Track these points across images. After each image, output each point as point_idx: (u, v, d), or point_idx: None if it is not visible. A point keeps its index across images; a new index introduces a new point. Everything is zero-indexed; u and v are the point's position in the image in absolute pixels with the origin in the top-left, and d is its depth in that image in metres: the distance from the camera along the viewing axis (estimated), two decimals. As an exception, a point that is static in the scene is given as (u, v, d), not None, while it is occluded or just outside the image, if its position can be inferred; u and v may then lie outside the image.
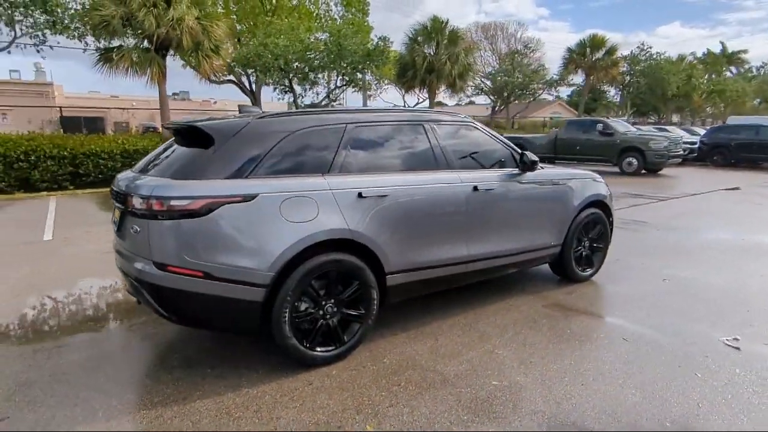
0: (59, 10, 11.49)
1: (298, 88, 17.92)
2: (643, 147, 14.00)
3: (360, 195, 3.03)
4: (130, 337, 3.49)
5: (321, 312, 2.97)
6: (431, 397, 2.66)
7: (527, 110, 41.92)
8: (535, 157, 3.93)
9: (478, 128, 3.92)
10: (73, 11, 12.56)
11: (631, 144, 14.26)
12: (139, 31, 12.63)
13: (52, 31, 11.70)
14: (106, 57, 12.94)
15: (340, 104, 19.75)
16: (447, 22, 18.57)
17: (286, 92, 18.05)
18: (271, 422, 2.43)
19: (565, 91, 40.84)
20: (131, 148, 12.41)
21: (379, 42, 17.10)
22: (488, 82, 29.03)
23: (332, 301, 3.00)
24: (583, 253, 4.58)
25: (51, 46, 12.84)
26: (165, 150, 3.13)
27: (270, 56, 15.26)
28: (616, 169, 14.72)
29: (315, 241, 2.82)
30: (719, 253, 5.59)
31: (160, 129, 17.19)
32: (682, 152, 15.29)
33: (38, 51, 13.62)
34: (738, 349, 3.21)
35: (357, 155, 3.18)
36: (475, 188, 3.58)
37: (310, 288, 2.89)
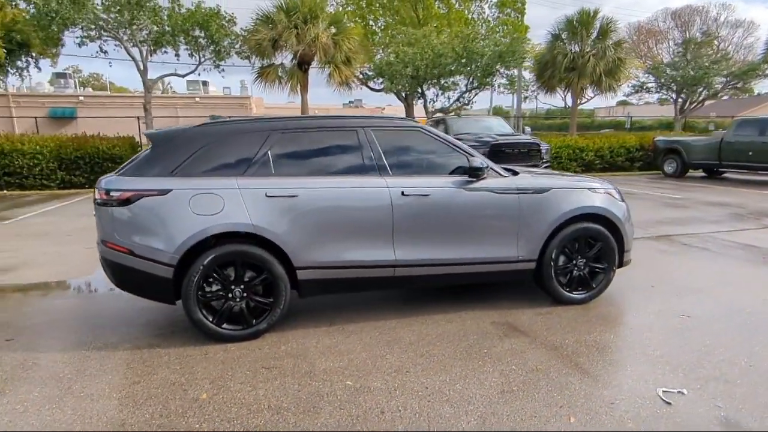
0: (225, 41, 14.20)
1: (430, 94, 18.41)
2: None
3: (266, 195, 3.37)
4: (130, 298, 4.38)
5: (230, 295, 3.40)
6: (281, 383, 2.88)
7: (736, 108, 35.01)
8: (479, 164, 3.68)
9: (427, 134, 3.84)
10: (242, 38, 15.25)
11: (826, 149, 11.03)
12: (284, 50, 14.69)
13: (216, 58, 14.51)
14: (260, 73, 15.43)
15: (468, 108, 19.56)
16: (596, 14, 16.81)
17: (418, 98, 18.70)
18: (143, 375, 2.97)
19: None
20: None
21: (512, 42, 16.47)
22: (659, 77, 25.06)
23: (241, 287, 3.41)
24: (575, 272, 4.05)
25: (222, 68, 15.88)
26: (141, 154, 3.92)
27: (400, 64, 16.06)
28: (804, 182, 11.57)
29: (216, 232, 3.28)
30: (816, 294, 4.25)
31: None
32: None
33: (219, 72, 16.84)
34: (669, 403, 2.60)
35: (277, 158, 3.51)
36: (403, 193, 3.58)
37: (217, 272, 3.35)
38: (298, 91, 15.41)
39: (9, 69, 23.97)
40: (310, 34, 14.27)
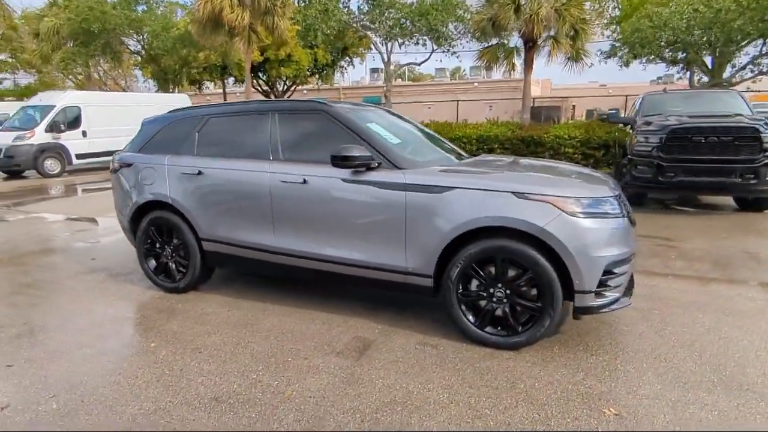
0: (445, 27, 14.67)
1: (708, 61, 14.01)
2: None
3: (181, 172, 3.86)
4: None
5: (164, 253, 4.10)
6: (125, 331, 3.42)
7: None
8: (346, 153, 3.07)
9: (331, 118, 3.44)
10: (470, 21, 15.39)
11: None
12: (505, 29, 13.99)
13: (436, 44, 15.09)
14: (480, 54, 15.24)
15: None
16: None
17: (685, 69, 14.55)
18: (94, 303, 4.00)
19: None
20: (485, 134, 14.33)
21: None
22: None
23: (170, 248, 4.06)
24: (494, 305, 2.97)
25: (455, 52, 16.28)
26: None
27: (649, 30, 12.88)
28: None
29: (148, 199, 4.01)
30: None
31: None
32: None
33: (456, 56, 17.44)
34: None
35: (202, 140, 3.92)
36: (281, 180, 3.43)
37: (153, 233, 4.09)
38: (513, 71, 14.48)
39: (334, 69, 31.26)
40: (532, 7, 13.13)
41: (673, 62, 14.48)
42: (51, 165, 13.40)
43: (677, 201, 7.90)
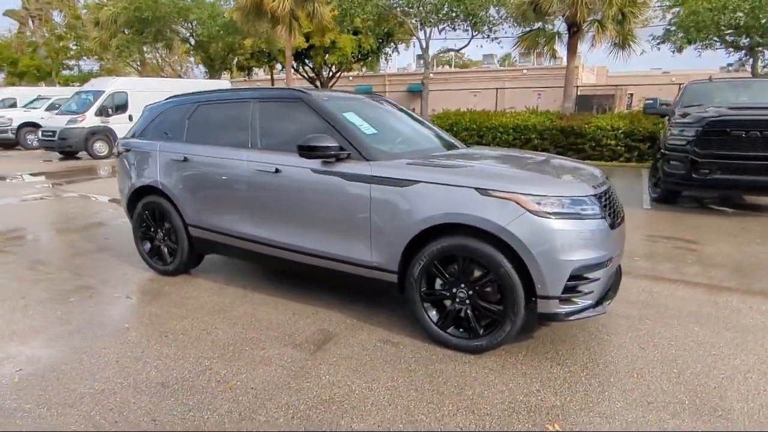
0: (482, 13, 14.13)
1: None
2: None
3: (170, 158, 3.93)
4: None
5: (157, 237, 4.22)
6: (106, 304, 3.55)
7: None
8: (312, 143, 2.99)
9: (308, 106, 3.36)
10: (512, 5, 14.77)
11: None
12: (548, 13, 13.29)
13: (473, 29, 14.55)
14: (519, 39, 14.59)
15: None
16: None
17: (748, 56, 13.29)
18: (59, 285, 4.20)
19: None
20: (522, 124, 13.83)
21: None
22: None
23: (162, 231, 4.17)
24: (457, 308, 2.84)
25: (495, 38, 15.71)
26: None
27: (708, 13, 11.82)
28: None
29: (142, 184, 4.13)
30: None
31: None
32: None
33: (498, 42, 16.90)
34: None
35: (192, 127, 3.97)
36: (258, 170, 3.42)
37: (147, 217, 4.21)
38: (554, 57, 13.76)
39: (379, 55, 31.19)
40: (575, -10, 12.37)
41: (735, 47, 13.20)
42: (100, 147, 14.19)
43: (716, 200, 7.28)
